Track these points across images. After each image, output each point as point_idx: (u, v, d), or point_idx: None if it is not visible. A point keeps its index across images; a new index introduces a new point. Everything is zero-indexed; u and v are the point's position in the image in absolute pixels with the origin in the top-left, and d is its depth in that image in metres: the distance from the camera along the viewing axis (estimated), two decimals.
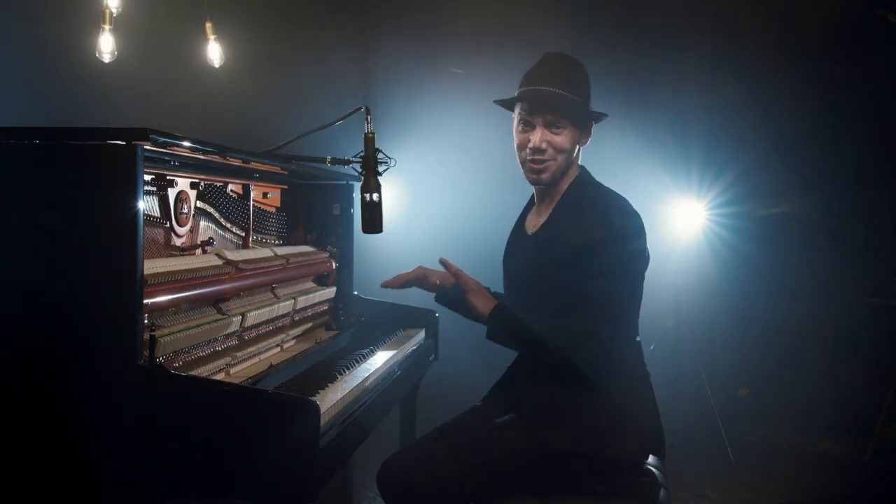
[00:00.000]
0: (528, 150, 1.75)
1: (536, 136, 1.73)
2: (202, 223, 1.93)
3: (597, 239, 1.62)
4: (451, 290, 1.95)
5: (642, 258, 1.69)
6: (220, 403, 1.34)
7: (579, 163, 1.83)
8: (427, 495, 1.60)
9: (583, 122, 1.77)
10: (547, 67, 1.77)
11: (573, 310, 1.62)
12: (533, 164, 1.76)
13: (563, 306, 1.66)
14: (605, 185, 1.81)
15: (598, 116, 1.79)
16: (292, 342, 2.22)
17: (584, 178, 1.81)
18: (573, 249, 1.65)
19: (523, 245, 1.85)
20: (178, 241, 1.80)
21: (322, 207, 2.56)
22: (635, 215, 1.69)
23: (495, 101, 1.85)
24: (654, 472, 1.75)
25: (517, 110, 1.79)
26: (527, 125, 1.76)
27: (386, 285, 1.98)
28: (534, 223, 1.84)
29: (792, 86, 3.91)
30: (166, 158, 1.63)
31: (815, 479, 3.30)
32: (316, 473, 1.36)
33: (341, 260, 2.56)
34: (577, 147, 1.78)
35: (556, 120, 1.72)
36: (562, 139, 1.73)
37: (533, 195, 1.91)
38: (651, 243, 1.73)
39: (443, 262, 1.82)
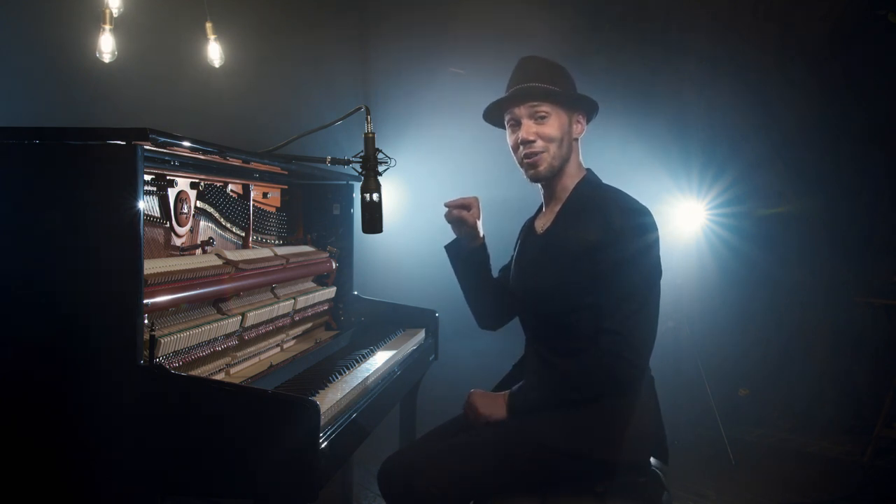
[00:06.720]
0: (519, 147, 1.76)
1: (523, 130, 1.75)
2: (202, 223, 1.93)
3: (605, 237, 1.63)
4: (462, 240, 1.95)
5: (656, 255, 1.68)
6: (220, 403, 1.34)
7: (585, 165, 1.83)
8: (427, 494, 1.60)
9: (568, 108, 1.76)
10: (519, 70, 1.80)
11: (591, 321, 1.63)
12: (526, 158, 1.77)
13: (570, 304, 1.67)
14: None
15: (583, 101, 1.78)
16: (292, 342, 2.22)
17: (591, 178, 1.81)
18: (580, 248, 1.66)
19: (533, 244, 1.86)
20: (178, 241, 1.80)
21: (322, 207, 2.57)
22: (645, 213, 1.68)
23: (486, 119, 1.87)
24: (654, 472, 1.75)
25: (505, 119, 1.81)
26: (514, 125, 1.79)
27: (450, 204, 1.91)
28: (542, 223, 1.85)
29: (792, 86, 3.90)
30: (166, 158, 1.63)
31: (815, 479, 3.30)
32: (316, 473, 1.36)
33: (341, 260, 2.57)
34: (570, 138, 1.77)
35: (538, 109, 1.74)
36: (548, 127, 1.74)
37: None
38: None
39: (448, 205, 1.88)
